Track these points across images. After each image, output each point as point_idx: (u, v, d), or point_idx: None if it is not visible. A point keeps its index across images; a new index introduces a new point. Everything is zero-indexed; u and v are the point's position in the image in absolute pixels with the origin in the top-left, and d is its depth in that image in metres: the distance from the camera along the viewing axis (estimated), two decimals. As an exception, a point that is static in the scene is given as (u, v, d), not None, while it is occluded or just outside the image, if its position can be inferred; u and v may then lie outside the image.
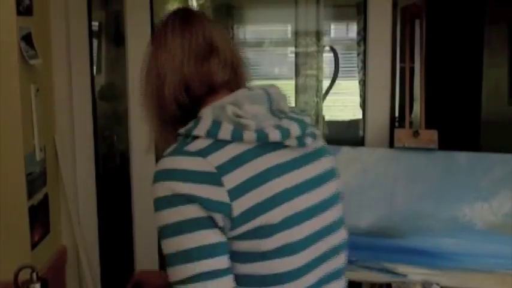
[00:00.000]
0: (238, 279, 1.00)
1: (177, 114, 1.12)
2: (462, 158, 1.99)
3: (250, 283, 1.01)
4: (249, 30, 3.22)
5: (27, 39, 1.82)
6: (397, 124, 2.49)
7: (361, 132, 2.40)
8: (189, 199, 0.96)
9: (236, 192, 0.98)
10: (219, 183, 0.97)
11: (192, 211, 0.96)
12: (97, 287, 2.36)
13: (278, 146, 1.05)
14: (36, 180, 1.91)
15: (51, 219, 2.06)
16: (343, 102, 3.45)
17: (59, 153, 2.13)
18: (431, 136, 2.03)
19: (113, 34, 2.68)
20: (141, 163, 2.30)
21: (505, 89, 2.64)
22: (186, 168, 0.98)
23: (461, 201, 1.96)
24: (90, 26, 2.27)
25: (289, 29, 3.12)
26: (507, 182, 1.94)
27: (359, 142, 2.34)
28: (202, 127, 1.03)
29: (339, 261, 1.14)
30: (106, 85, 2.70)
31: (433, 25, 2.36)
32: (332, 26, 3.32)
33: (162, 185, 0.98)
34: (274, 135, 1.03)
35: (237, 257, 1.00)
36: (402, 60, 2.41)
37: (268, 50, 3.23)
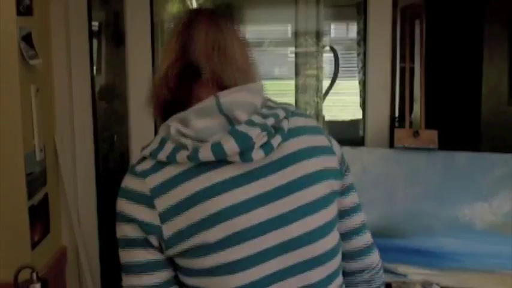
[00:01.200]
0: None
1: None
2: (462, 158, 1.99)
3: None
4: (249, 30, 3.22)
5: (27, 39, 1.82)
6: (397, 124, 2.49)
7: (361, 132, 2.40)
8: (128, 219, 1.05)
9: (167, 215, 1.01)
10: (152, 206, 1.02)
11: (130, 231, 1.05)
12: (97, 287, 2.36)
13: (221, 162, 1.01)
14: (36, 180, 1.90)
15: (51, 219, 2.06)
16: (343, 102, 3.45)
17: (59, 153, 2.13)
18: (431, 136, 2.03)
19: (113, 34, 2.68)
20: (141, 163, 2.30)
21: (505, 89, 2.64)
22: (131, 189, 1.06)
23: (461, 201, 1.96)
24: (90, 26, 2.27)
25: (289, 29, 3.12)
26: (507, 182, 1.94)
27: (359, 142, 2.34)
28: (149, 148, 1.06)
29: (319, 273, 1.07)
30: (106, 85, 2.70)
31: (433, 25, 2.36)
32: (332, 26, 3.32)
33: (117, 201, 1.09)
34: (206, 155, 1.00)
35: (182, 271, 1.06)
36: (402, 60, 2.41)
37: (268, 50, 3.23)
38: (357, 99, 2.70)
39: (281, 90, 3.14)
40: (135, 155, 2.31)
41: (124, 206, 1.06)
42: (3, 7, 1.72)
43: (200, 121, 1.03)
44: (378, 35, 2.26)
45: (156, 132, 2.37)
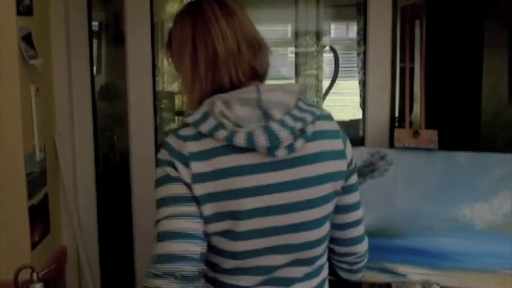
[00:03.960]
0: (212, 249, 1.22)
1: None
2: (462, 158, 1.99)
3: (216, 253, 1.23)
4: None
5: (27, 39, 1.82)
6: (397, 124, 2.49)
7: (361, 132, 2.40)
8: (168, 163, 1.19)
9: (199, 178, 1.17)
10: (187, 165, 1.18)
11: (167, 171, 1.19)
12: (97, 287, 2.36)
13: (248, 149, 1.17)
14: (36, 180, 1.91)
15: (51, 219, 2.06)
16: (343, 102, 3.45)
17: (59, 153, 2.13)
18: (431, 136, 2.03)
19: (113, 34, 2.68)
20: (141, 163, 2.30)
21: (505, 89, 2.64)
22: (173, 146, 1.20)
23: (461, 201, 1.96)
24: (90, 26, 2.27)
25: (289, 29, 3.12)
26: (507, 182, 1.94)
27: (359, 142, 2.34)
28: (193, 117, 1.20)
29: (307, 254, 1.26)
30: (106, 85, 2.70)
31: (433, 25, 2.36)
32: (332, 26, 3.32)
33: (160, 151, 1.23)
34: (240, 141, 1.15)
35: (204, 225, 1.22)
36: (402, 60, 2.41)
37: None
38: (357, 99, 2.70)
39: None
40: (135, 155, 2.32)
41: (165, 155, 1.21)
42: (3, 7, 1.72)
43: (241, 108, 1.18)
44: (378, 35, 2.26)
45: (156, 132, 2.38)
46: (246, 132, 1.16)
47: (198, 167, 1.17)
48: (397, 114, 2.56)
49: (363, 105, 2.35)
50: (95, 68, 2.39)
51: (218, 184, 1.17)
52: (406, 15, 2.29)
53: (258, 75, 1.26)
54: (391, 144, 2.14)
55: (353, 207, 1.36)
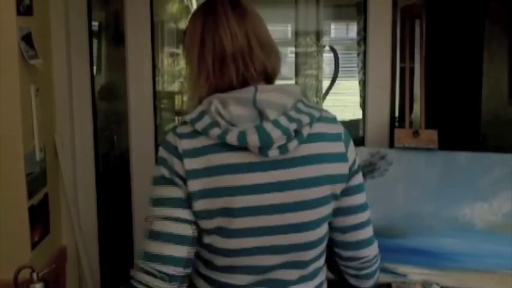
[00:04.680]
0: (205, 247, 1.26)
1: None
2: (462, 158, 1.99)
3: (209, 251, 1.26)
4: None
5: (27, 39, 1.82)
6: (397, 124, 2.49)
7: (361, 132, 2.40)
8: (164, 162, 1.23)
9: (192, 174, 1.20)
10: (182, 161, 1.21)
11: (162, 172, 1.23)
12: (97, 287, 2.36)
13: (243, 148, 1.18)
14: (36, 180, 1.91)
15: (51, 219, 2.06)
16: (343, 102, 3.45)
17: (59, 153, 2.13)
18: (431, 136, 2.03)
19: (113, 34, 2.68)
20: (141, 163, 2.30)
21: (505, 89, 2.63)
22: (170, 142, 1.24)
23: (461, 201, 1.96)
24: (90, 26, 2.27)
25: (289, 29, 3.12)
26: (507, 182, 1.94)
27: (359, 142, 2.34)
28: (190, 115, 1.23)
29: (304, 256, 1.27)
30: (106, 85, 2.70)
31: (433, 25, 2.36)
32: (332, 26, 3.33)
33: (159, 148, 1.27)
34: (232, 139, 1.17)
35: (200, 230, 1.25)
36: (402, 60, 2.41)
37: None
38: (357, 99, 2.70)
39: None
40: (135, 155, 2.32)
41: (162, 152, 1.25)
42: (3, 7, 1.72)
43: (236, 108, 1.19)
44: (378, 35, 2.26)
45: (156, 132, 2.38)
46: (239, 131, 1.18)
47: (191, 163, 1.20)
48: (397, 114, 2.56)
49: (363, 105, 2.35)
50: (95, 68, 2.39)
51: (210, 181, 1.20)
52: (406, 15, 2.29)
53: (268, 75, 1.27)
54: (391, 144, 2.14)
55: (355, 209, 1.34)
